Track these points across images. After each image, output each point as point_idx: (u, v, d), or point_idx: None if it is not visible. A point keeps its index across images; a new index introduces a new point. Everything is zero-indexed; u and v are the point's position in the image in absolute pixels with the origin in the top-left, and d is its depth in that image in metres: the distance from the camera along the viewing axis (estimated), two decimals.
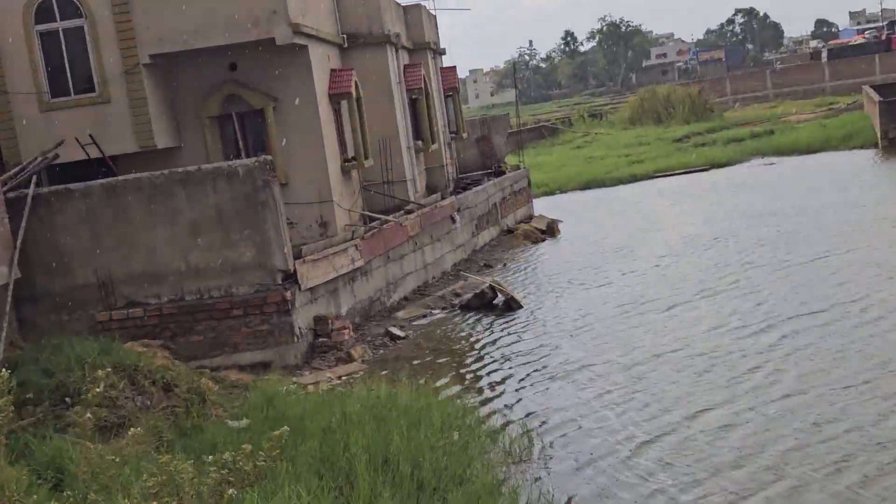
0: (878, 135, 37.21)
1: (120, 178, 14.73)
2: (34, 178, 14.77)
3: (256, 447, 8.13)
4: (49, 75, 17.84)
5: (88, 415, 9.41)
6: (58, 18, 17.67)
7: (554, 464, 9.97)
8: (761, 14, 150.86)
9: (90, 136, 17.52)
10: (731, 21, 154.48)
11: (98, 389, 9.80)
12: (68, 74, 17.82)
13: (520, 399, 12.34)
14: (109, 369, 10.55)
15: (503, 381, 13.29)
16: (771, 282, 17.45)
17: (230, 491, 7.20)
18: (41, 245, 14.36)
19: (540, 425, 11.08)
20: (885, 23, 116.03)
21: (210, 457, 7.88)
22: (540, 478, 9.58)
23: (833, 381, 11.60)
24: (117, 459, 8.26)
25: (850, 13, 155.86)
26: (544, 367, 13.71)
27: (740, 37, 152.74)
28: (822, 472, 9.15)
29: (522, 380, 13.20)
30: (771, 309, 15.48)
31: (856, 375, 11.72)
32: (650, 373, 12.75)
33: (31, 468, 8.45)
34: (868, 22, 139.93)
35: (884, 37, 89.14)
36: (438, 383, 13.03)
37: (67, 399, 10.43)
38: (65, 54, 17.75)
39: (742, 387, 11.78)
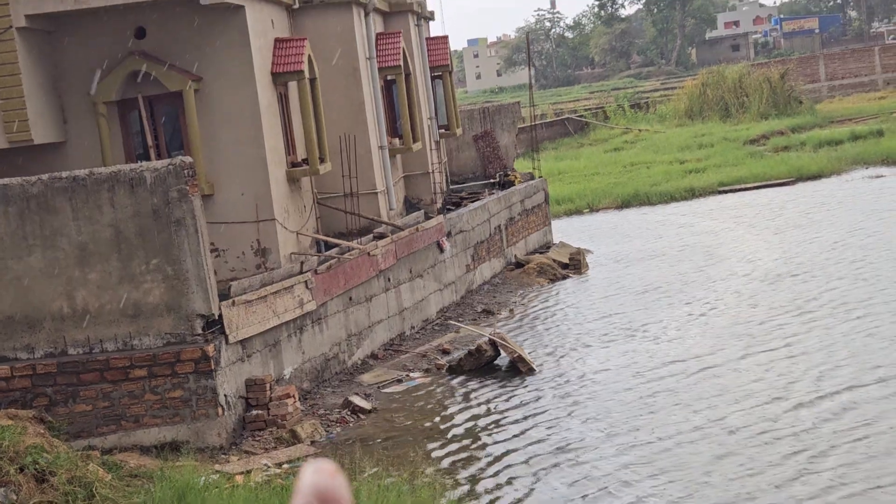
0: None
1: None
2: None
3: None
4: None
5: None
6: None
7: None
8: None
9: None
10: None
11: None
12: None
13: (526, 499, 12.39)
14: None
15: (503, 471, 13.38)
16: (841, 336, 18.13)
17: None
18: None
19: None
20: None
21: None
22: None
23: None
24: None
25: None
26: (560, 461, 13.77)
27: (840, 0, 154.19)
28: None
29: (534, 475, 13.28)
30: (831, 373, 16.13)
31: None
32: (692, 463, 13.02)
33: None
34: None
35: None
36: (416, 476, 13.05)
37: None
38: None
39: (780, 475, 12.23)
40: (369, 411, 16.22)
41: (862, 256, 24.45)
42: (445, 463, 13.96)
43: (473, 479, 13.29)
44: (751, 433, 13.89)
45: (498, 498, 12.59)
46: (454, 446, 14.63)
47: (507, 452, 14.16)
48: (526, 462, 13.71)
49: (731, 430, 14.08)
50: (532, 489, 12.79)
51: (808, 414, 14.47)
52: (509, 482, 13.08)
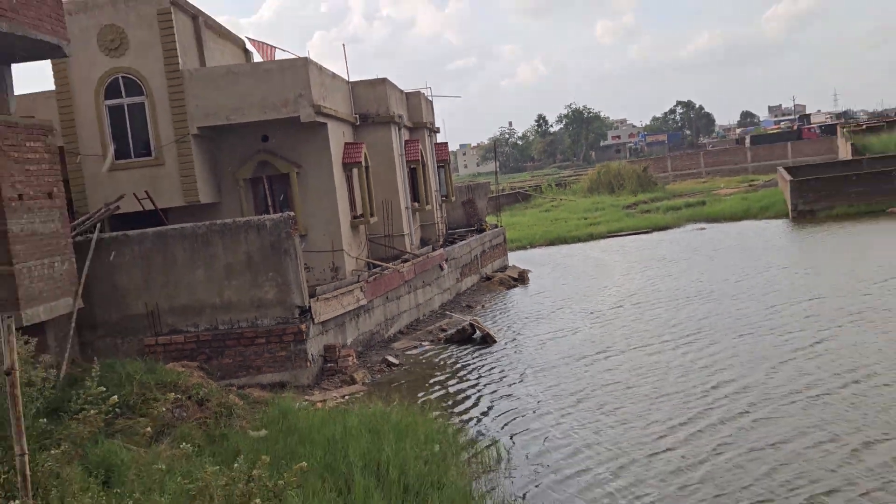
0: (789, 207, 37.63)
1: (169, 227, 14.79)
2: (98, 226, 14.82)
3: (274, 458, 7.96)
4: (115, 141, 17.97)
5: (149, 428, 9.32)
6: (123, 95, 17.85)
7: (517, 472, 9.93)
8: (697, 106, 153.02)
9: (146, 192, 17.60)
10: (672, 111, 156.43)
11: (163, 409, 9.72)
12: (130, 141, 17.96)
13: (490, 416, 12.30)
14: (173, 394, 10.46)
15: (478, 402, 13.25)
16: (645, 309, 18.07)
17: (256, 501, 6.88)
18: (101, 281, 14.34)
19: (509, 439, 11.04)
20: (797, 116, 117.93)
21: (237, 464, 7.57)
22: (503, 484, 9.55)
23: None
24: (162, 466, 8.13)
25: (769, 107, 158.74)
26: (512, 393, 13.65)
27: (680, 124, 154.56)
28: None
29: (495, 402, 13.14)
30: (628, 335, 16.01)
31: None
32: (593, 396, 12.80)
33: (84, 467, 8.35)
34: (783, 115, 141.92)
35: (795, 127, 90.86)
36: (425, 403, 12.96)
37: (117, 409, 10.36)
38: (128, 124, 17.91)
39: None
40: (398, 365, 16.12)
41: (699, 274, 24.30)
42: (445, 395, 13.82)
43: (463, 405, 13.16)
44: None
45: (474, 414, 12.43)
46: (450, 384, 14.49)
47: (483, 389, 14.01)
48: (496, 394, 13.57)
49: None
50: (498, 413, 12.64)
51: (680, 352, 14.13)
52: (484, 407, 12.92)
